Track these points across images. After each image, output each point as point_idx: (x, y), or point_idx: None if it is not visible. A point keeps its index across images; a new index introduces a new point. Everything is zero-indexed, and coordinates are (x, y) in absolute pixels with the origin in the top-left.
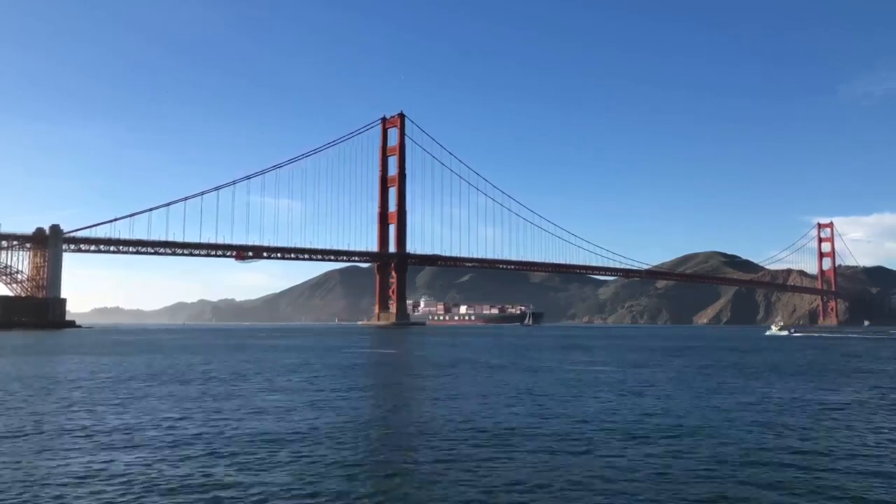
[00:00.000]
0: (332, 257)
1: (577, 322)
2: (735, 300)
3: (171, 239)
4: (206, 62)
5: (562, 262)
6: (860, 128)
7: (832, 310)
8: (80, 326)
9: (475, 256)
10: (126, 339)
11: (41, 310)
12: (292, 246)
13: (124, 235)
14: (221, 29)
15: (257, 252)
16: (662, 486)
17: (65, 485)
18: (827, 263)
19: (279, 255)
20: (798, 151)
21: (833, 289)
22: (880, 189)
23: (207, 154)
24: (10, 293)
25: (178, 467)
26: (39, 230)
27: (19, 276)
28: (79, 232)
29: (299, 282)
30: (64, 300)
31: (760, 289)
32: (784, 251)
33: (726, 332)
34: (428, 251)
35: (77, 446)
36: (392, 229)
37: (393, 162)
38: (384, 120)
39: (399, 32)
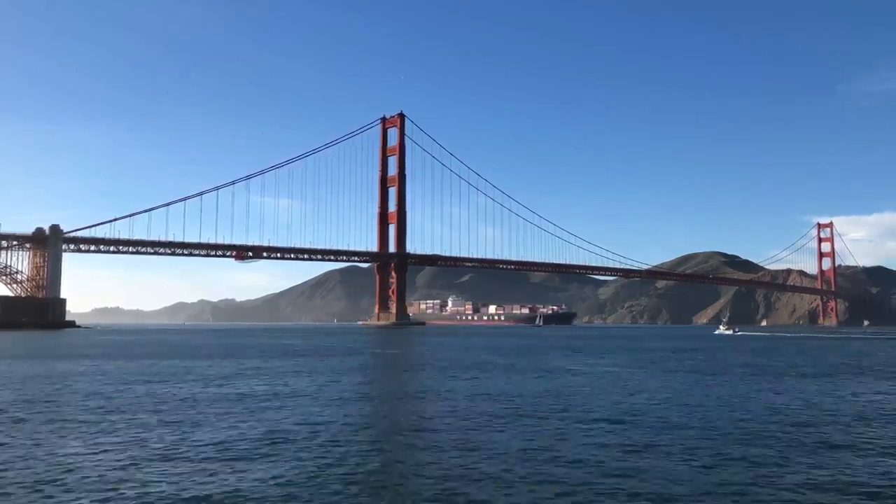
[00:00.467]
0: (332, 257)
1: (577, 322)
2: (735, 300)
3: (170, 239)
4: (206, 62)
5: (562, 262)
6: (860, 128)
7: (832, 310)
8: (80, 326)
9: (475, 256)
10: (136, 340)
11: (41, 310)
12: (292, 246)
13: (124, 235)
14: (221, 29)
15: (257, 252)
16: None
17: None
18: (827, 263)
19: (279, 255)
20: (798, 151)
21: (833, 289)
22: (881, 189)
23: (207, 154)
24: (10, 293)
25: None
26: (39, 230)
27: (19, 276)
28: (79, 232)
29: (299, 282)
30: (64, 300)
31: (760, 289)
32: (784, 251)
33: (679, 332)
34: (428, 251)
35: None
36: (392, 229)
37: (393, 162)
38: (384, 120)
39: (399, 32)
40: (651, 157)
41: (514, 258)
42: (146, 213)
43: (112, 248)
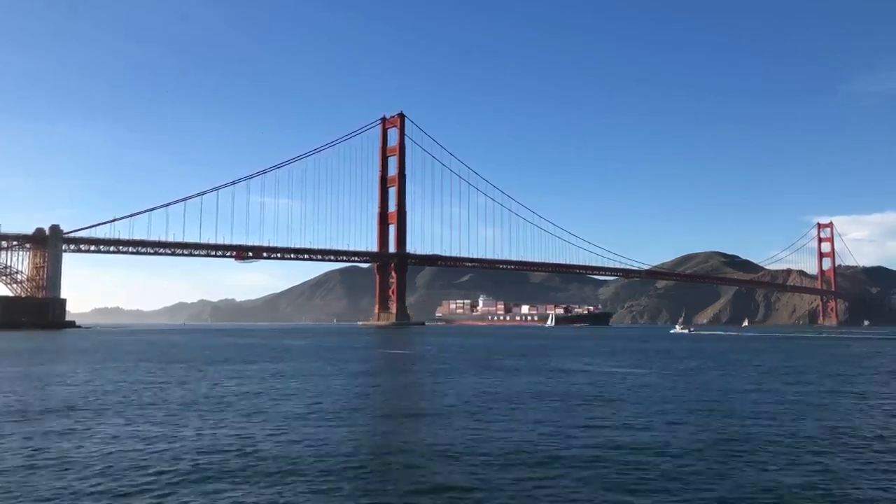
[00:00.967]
0: (332, 257)
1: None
2: (735, 300)
3: (170, 239)
4: (206, 62)
5: (562, 262)
6: (860, 127)
7: (832, 310)
8: (80, 327)
9: (475, 256)
10: (144, 340)
11: (41, 310)
12: (292, 246)
13: (124, 235)
14: (221, 29)
15: (257, 252)
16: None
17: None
18: (827, 263)
19: (279, 255)
20: (798, 151)
21: (833, 289)
22: (882, 188)
23: (207, 154)
24: (9, 293)
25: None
26: (39, 230)
27: (19, 277)
28: (79, 232)
29: (299, 282)
30: (64, 300)
31: (760, 289)
32: (784, 251)
33: (643, 332)
34: (428, 251)
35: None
36: (392, 229)
37: (393, 162)
38: (384, 120)
39: (399, 32)
40: (651, 157)
41: (514, 258)
42: (146, 214)
43: (112, 249)
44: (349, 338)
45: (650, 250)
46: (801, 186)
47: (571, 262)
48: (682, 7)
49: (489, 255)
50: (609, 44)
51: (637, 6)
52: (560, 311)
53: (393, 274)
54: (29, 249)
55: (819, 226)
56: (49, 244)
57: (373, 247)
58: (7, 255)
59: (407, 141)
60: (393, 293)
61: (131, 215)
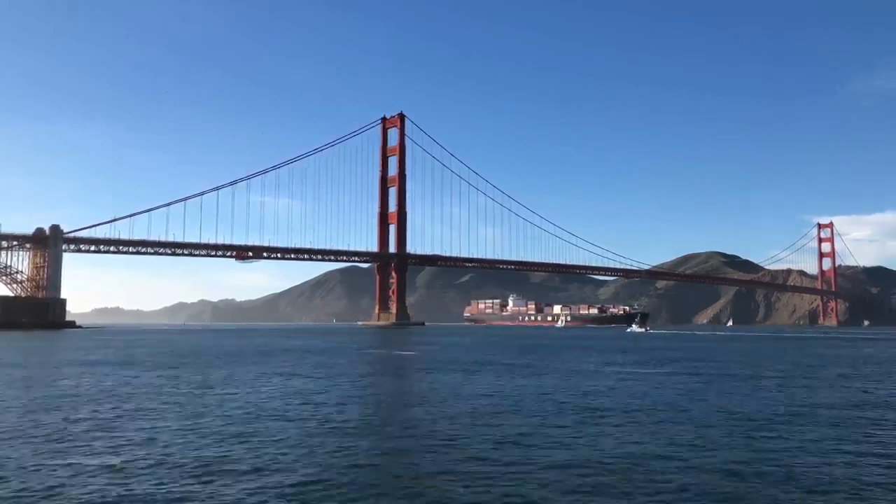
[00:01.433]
0: (332, 257)
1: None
2: (735, 300)
3: (171, 239)
4: (206, 62)
5: (562, 262)
6: (860, 127)
7: (832, 310)
8: (80, 327)
9: (475, 256)
10: (147, 340)
11: (41, 310)
12: (292, 246)
13: (124, 235)
14: (221, 29)
15: (257, 252)
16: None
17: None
18: (827, 263)
19: (279, 255)
20: (798, 151)
21: (833, 289)
22: (882, 188)
23: (207, 154)
24: (10, 293)
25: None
26: (39, 230)
27: (19, 277)
28: (79, 232)
29: (299, 282)
30: (64, 300)
31: (760, 289)
32: (784, 251)
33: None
34: (428, 251)
35: None
36: (392, 229)
37: (393, 162)
38: (384, 120)
39: (399, 32)
40: (651, 157)
41: (514, 258)
42: (146, 214)
43: (112, 249)
44: (358, 337)
45: (650, 250)
46: (801, 186)
47: (571, 262)
48: (682, 7)
49: (489, 255)
50: (609, 44)
51: (637, 6)
52: (594, 311)
53: (393, 274)
54: (29, 249)
55: (819, 226)
56: (49, 244)
57: (373, 247)
58: (7, 255)
59: (407, 141)
60: (393, 293)
61: (131, 215)
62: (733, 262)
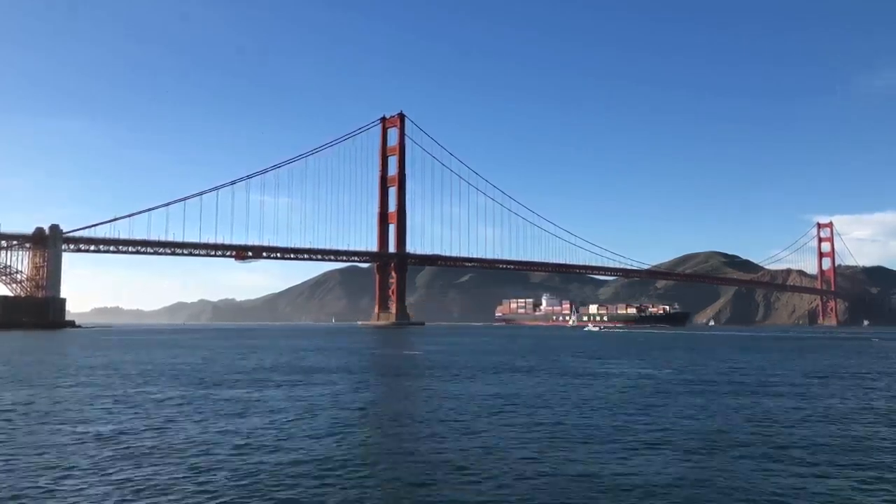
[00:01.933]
0: (332, 257)
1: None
2: (735, 300)
3: (171, 239)
4: (206, 62)
5: (562, 262)
6: (860, 127)
7: (832, 310)
8: (80, 326)
9: (475, 256)
10: (154, 340)
11: (41, 310)
12: (292, 246)
13: (124, 235)
14: (221, 29)
15: (257, 252)
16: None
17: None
18: (826, 263)
19: (279, 255)
20: (798, 151)
21: (833, 289)
22: (882, 188)
23: (207, 154)
24: (9, 293)
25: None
26: (39, 230)
27: (19, 276)
28: (79, 232)
29: (299, 282)
30: (64, 300)
31: (760, 289)
32: (784, 251)
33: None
34: (428, 251)
35: None
36: (392, 229)
37: (393, 162)
38: (384, 120)
39: (399, 32)
40: (651, 157)
41: (514, 258)
42: (146, 213)
43: (112, 248)
44: (362, 337)
45: (650, 250)
46: (801, 186)
47: (571, 262)
48: (682, 7)
49: (489, 255)
50: (609, 44)
51: (637, 6)
52: (632, 310)
53: (393, 274)
54: (29, 249)
55: (819, 225)
56: (49, 244)
57: (373, 247)
58: (7, 254)
59: (407, 141)
60: (393, 293)
61: (131, 215)
62: (733, 261)
